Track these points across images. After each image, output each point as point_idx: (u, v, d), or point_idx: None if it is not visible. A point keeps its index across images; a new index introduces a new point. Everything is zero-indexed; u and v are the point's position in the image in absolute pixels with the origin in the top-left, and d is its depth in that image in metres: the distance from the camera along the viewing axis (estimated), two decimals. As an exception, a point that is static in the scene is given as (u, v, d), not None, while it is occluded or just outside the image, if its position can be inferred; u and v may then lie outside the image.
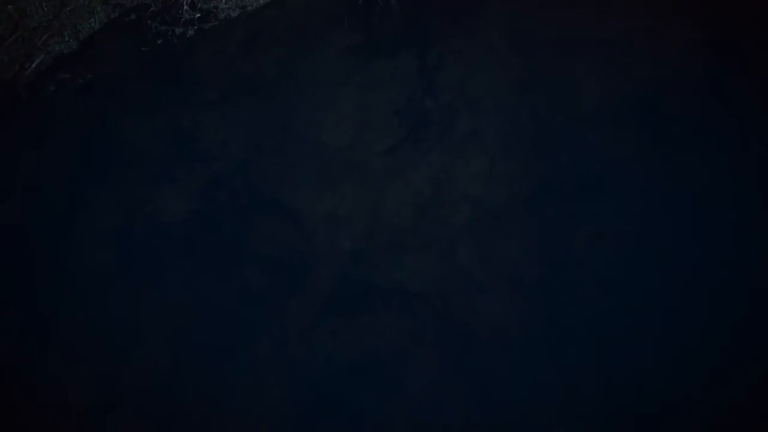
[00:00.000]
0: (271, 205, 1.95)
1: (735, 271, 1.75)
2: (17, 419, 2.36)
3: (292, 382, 1.83)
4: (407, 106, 1.86)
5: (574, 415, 1.71)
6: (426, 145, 1.81)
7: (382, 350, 1.71)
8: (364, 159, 1.86)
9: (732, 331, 1.78)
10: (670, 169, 1.72)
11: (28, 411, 2.34)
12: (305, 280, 1.81)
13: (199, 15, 2.71)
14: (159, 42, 2.57)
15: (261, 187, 2.00)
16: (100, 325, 2.13)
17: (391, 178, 1.82)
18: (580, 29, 1.82)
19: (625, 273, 1.69)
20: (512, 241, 1.72)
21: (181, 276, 2.02)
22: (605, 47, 1.82)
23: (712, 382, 1.74)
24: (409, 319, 1.70)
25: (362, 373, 1.73)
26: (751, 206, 1.73)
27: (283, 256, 1.87)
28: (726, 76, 1.75)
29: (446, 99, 1.82)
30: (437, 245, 1.74)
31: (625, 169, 1.69)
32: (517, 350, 1.68)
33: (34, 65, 3.01)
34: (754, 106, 1.80)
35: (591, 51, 1.82)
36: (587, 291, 1.68)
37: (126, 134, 2.36)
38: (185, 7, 2.75)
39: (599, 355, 1.73)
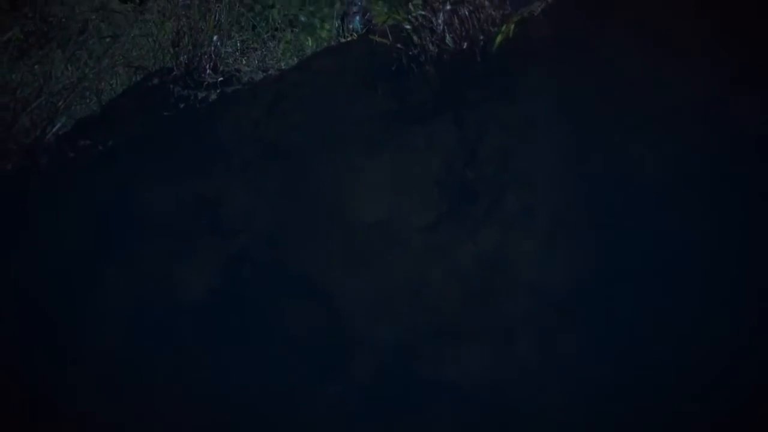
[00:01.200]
0: (301, 285, 1.75)
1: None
2: None
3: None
4: (448, 178, 1.68)
5: None
6: (472, 222, 1.61)
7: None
8: (402, 235, 1.67)
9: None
10: (749, 258, 1.49)
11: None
12: (341, 371, 1.59)
13: (221, 78, 2.58)
14: (181, 106, 2.44)
15: (289, 264, 1.80)
16: (113, 415, 1.90)
17: (434, 258, 1.62)
18: (635, 97, 1.66)
19: (700, 375, 1.44)
20: (574, 333, 1.49)
21: (201, 363, 1.80)
22: (664, 116, 1.64)
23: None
24: (459, 421, 1.47)
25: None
26: None
27: (315, 343, 1.65)
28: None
29: (491, 170, 1.64)
30: (489, 335, 1.52)
31: (698, 253, 1.48)
32: (580, 453, 1.45)
33: (55, 129, 2.89)
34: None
35: (648, 120, 1.64)
36: (660, 390, 1.44)
37: (144, 204, 2.18)
38: (208, 70, 2.63)
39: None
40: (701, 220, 1.50)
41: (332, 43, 3.61)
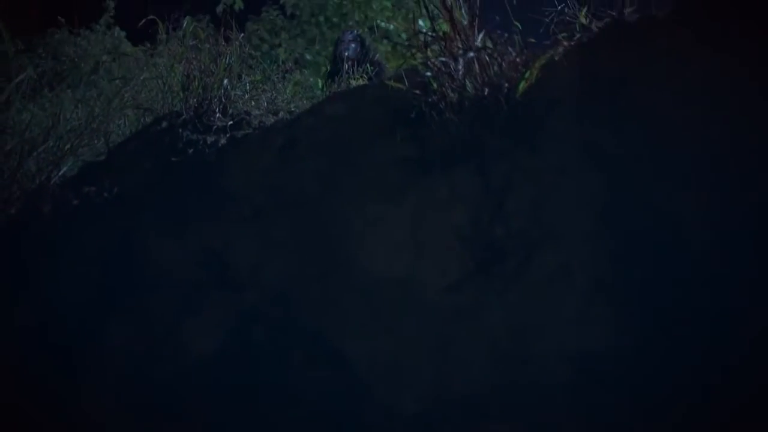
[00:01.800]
0: (315, 347, 1.61)
1: None
2: None
3: None
4: (473, 233, 1.55)
5: None
6: (500, 282, 1.48)
7: None
8: (424, 296, 1.53)
9: None
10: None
11: None
12: (358, 446, 1.44)
13: (231, 122, 2.49)
14: (190, 152, 2.33)
15: (303, 323, 1.66)
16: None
17: (460, 322, 1.47)
18: (672, 145, 1.54)
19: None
20: (616, 406, 1.35)
21: (208, 425, 1.65)
22: (704, 165, 1.52)
23: None
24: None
25: None
26: None
27: (331, 415, 1.50)
28: None
29: (519, 225, 1.52)
30: (525, 412, 1.37)
31: (750, 316, 1.33)
32: None
33: (60, 173, 2.79)
34: None
35: (687, 170, 1.52)
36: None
37: (149, 256, 2.06)
38: (218, 114, 2.55)
39: None
40: (752, 281, 1.36)
41: (341, 84, 3.55)
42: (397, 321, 1.54)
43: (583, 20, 2.39)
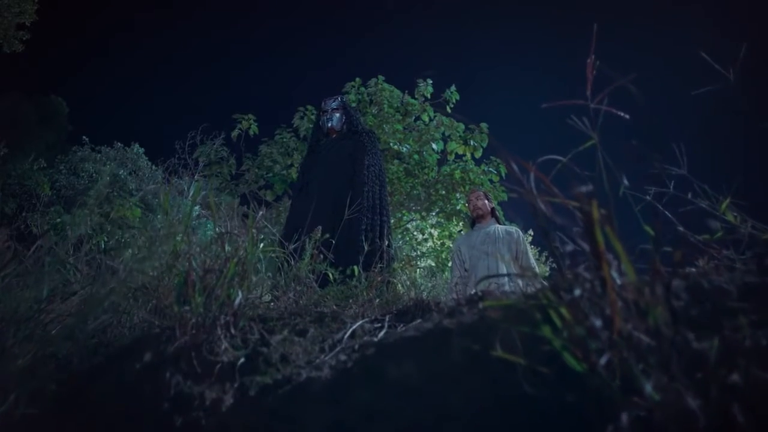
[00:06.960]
0: None
1: None
2: None
3: None
4: None
5: None
6: None
7: None
8: None
9: None
10: None
11: None
12: None
13: (243, 358, 1.69)
14: (177, 424, 1.50)
15: None
16: None
17: None
18: None
19: None
20: None
21: None
22: None
23: None
24: None
25: None
26: None
27: None
28: None
29: None
30: None
31: None
32: None
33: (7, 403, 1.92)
34: None
35: None
36: None
37: None
38: (224, 345, 1.75)
39: None
40: None
41: (387, 271, 2.77)
42: None
43: (731, 219, 1.64)
